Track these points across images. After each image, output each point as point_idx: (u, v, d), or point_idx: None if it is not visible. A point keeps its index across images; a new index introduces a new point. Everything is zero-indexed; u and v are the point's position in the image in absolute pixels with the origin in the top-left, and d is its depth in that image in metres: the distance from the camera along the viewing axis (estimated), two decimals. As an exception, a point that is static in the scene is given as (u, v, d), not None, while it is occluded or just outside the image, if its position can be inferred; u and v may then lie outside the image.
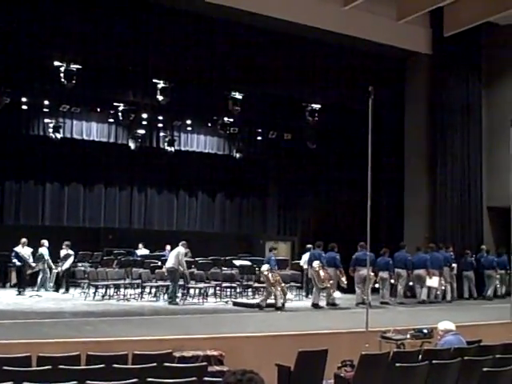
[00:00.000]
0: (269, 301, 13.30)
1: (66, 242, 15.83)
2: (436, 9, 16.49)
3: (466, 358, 6.72)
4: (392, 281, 14.99)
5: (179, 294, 14.23)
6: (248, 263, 15.58)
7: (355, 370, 6.93)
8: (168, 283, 14.35)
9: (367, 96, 10.06)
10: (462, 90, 17.86)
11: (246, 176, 21.78)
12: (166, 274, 14.28)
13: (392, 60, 17.96)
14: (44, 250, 15.58)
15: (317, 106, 16.98)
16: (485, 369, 6.31)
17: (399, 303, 14.87)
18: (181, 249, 14.22)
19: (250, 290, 15.33)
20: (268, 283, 13.31)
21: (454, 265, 16.13)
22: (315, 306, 13.63)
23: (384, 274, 14.77)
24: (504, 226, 16.71)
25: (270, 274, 13.24)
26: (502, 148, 16.44)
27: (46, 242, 15.71)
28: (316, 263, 13.69)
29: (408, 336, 8.78)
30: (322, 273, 13.53)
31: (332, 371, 7.22)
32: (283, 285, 13.55)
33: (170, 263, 14.03)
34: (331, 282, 13.66)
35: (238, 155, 20.29)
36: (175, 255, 14.02)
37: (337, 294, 14.12)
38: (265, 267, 13.44)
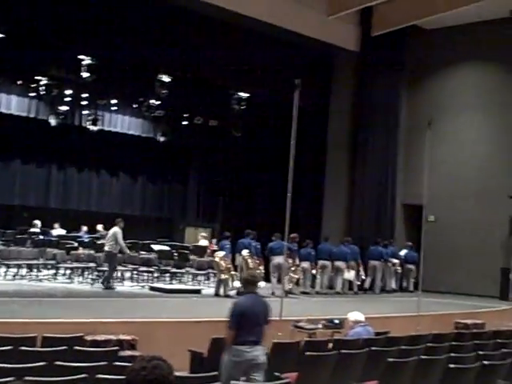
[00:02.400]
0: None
1: None
2: (366, 8, 16.85)
3: (373, 348, 6.97)
4: (313, 271, 15.27)
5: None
6: (166, 248, 15.46)
7: (267, 357, 7.03)
8: (82, 265, 14.04)
9: (293, 88, 10.15)
10: (386, 88, 18.30)
11: (169, 160, 21.59)
12: (102, 257, 13.63)
13: (320, 55, 18.21)
14: None
15: (244, 95, 17.00)
16: (390, 359, 6.56)
17: (318, 293, 15.17)
18: (116, 229, 13.12)
19: (167, 274, 15.25)
20: (218, 269, 13.20)
21: (396, 261, 16.68)
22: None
23: (306, 265, 15.02)
24: (417, 223, 17.38)
25: (222, 261, 13.11)
26: (420, 148, 17.02)
27: None
28: (245, 252, 13.66)
29: (320, 326, 9.00)
30: (250, 261, 13.53)
31: (244, 358, 7.29)
32: (233, 273, 13.32)
33: (106, 246, 13.20)
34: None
35: (161, 139, 20.06)
36: (111, 238, 13.09)
37: (262, 284, 14.13)
38: (244, 252, 13.49)
